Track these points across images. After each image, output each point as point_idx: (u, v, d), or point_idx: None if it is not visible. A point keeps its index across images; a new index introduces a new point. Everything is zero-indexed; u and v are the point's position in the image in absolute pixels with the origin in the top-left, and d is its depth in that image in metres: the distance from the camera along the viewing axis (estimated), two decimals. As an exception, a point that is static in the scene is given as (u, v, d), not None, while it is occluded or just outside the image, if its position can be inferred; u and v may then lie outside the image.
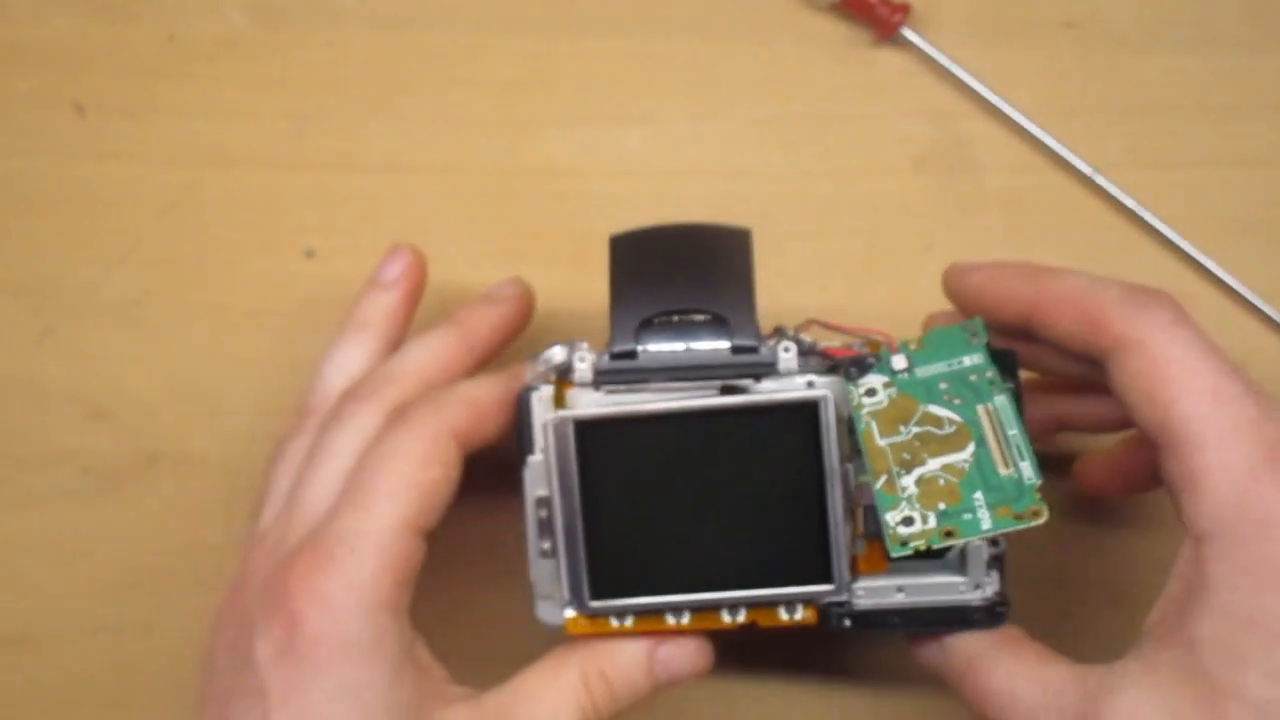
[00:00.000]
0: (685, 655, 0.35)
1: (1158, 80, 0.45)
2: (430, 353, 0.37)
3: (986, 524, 0.32)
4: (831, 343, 0.35)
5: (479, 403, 0.35)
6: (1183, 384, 0.30)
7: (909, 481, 0.32)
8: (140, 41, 0.46)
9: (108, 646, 0.43)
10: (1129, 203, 0.44)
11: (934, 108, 0.45)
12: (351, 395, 0.36)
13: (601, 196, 0.45)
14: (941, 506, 0.32)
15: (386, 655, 0.31)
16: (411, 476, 0.33)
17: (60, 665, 0.43)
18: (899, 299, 0.42)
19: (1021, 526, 0.32)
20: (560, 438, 0.33)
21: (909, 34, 0.44)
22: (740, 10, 0.45)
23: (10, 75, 0.46)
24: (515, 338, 0.39)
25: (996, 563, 0.34)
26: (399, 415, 0.34)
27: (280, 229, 0.45)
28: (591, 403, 0.34)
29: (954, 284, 0.36)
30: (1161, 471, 0.31)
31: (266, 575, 0.33)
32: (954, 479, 0.32)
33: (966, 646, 0.34)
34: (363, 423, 0.35)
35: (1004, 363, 0.34)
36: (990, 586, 0.35)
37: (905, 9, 0.44)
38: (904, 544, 0.32)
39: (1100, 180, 0.44)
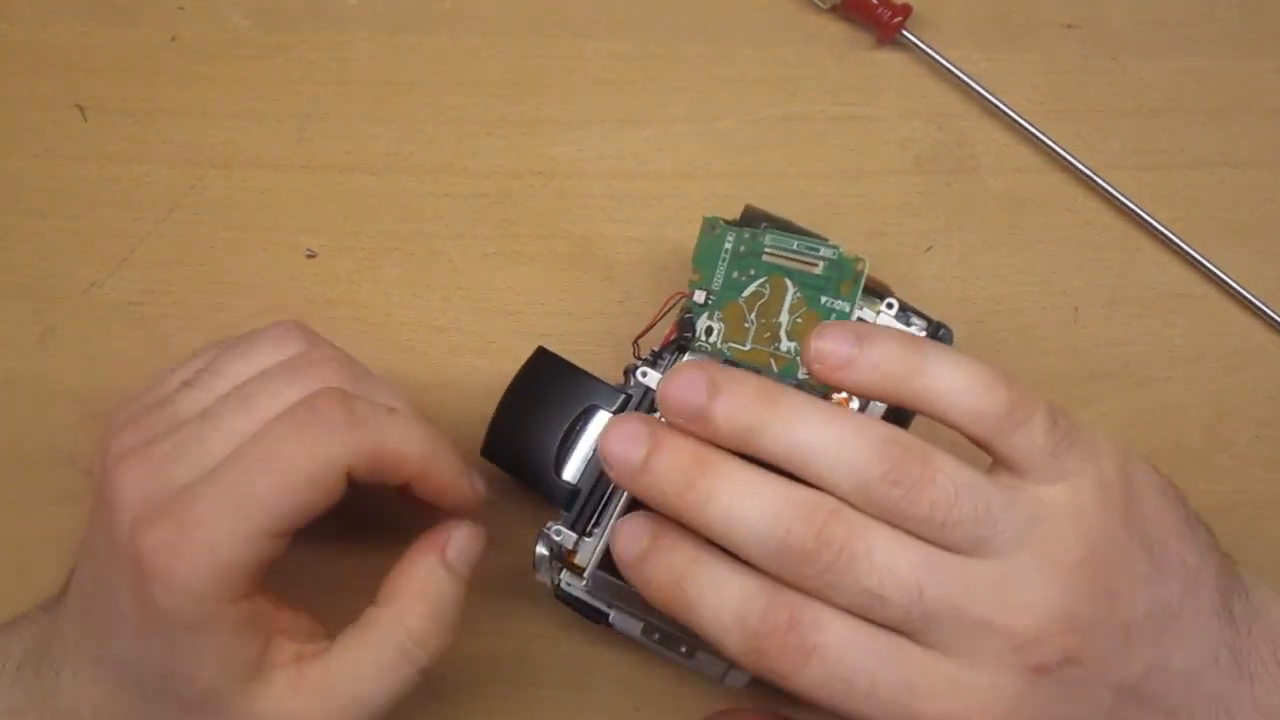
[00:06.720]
0: (467, 541, 0.37)
1: (1158, 81, 0.45)
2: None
3: (846, 306, 0.37)
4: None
5: (393, 453, 0.35)
6: None
7: (787, 344, 0.38)
8: (142, 43, 0.46)
9: (108, 646, 0.43)
10: (1129, 203, 0.44)
11: (934, 108, 0.45)
12: (292, 366, 0.36)
13: (602, 197, 0.45)
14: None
15: (220, 631, 0.33)
16: (294, 490, 0.33)
17: (60, 665, 0.43)
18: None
19: (865, 276, 0.37)
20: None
21: (909, 35, 0.44)
22: (741, 12, 0.46)
23: (13, 76, 0.46)
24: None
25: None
26: (313, 409, 0.34)
27: (281, 229, 0.45)
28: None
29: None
30: None
31: (135, 500, 0.33)
32: (802, 308, 0.38)
33: None
34: (286, 394, 0.35)
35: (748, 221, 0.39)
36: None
37: (906, 10, 0.44)
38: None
39: (1100, 180, 0.44)
